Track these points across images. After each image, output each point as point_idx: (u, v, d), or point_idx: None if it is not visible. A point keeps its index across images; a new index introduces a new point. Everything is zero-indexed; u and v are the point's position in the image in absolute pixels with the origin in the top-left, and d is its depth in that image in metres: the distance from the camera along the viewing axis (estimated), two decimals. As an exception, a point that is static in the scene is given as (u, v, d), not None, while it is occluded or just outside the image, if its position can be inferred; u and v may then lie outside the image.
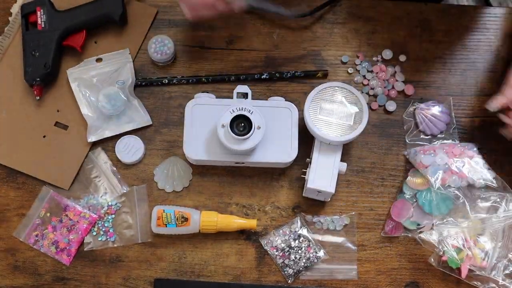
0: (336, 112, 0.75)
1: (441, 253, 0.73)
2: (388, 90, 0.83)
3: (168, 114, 0.82)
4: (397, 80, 0.83)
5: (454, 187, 0.75)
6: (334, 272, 0.77)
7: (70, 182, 0.79)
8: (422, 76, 0.84)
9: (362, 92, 0.82)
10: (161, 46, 0.82)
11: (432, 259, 0.75)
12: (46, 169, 0.80)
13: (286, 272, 0.77)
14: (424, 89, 0.83)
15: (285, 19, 0.86)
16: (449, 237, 0.73)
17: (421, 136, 0.81)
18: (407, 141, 0.81)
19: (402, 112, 0.82)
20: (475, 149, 0.77)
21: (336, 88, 0.76)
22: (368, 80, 0.83)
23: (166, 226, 0.75)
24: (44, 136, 0.81)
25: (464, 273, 0.73)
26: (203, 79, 0.83)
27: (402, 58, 0.84)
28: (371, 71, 0.83)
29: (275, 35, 0.85)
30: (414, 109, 0.81)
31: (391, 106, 0.82)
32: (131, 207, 0.79)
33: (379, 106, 0.82)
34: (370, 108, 0.82)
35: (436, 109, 0.80)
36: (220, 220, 0.76)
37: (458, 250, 0.73)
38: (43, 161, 0.80)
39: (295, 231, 0.78)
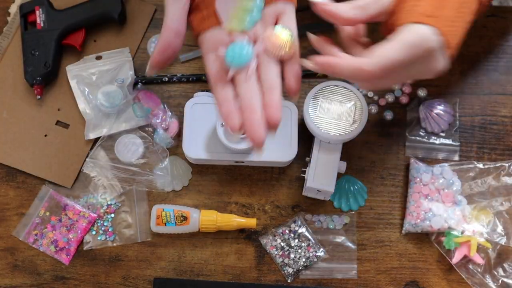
0: (336, 111, 0.75)
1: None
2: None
3: (168, 113, 0.83)
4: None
5: None
6: (334, 271, 0.77)
7: (72, 180, 0.79)
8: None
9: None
10: (161, 46, 0.82)
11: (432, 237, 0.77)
12: (48, 167, 0.80)
13: (285, 271, 0.76)
14: (424, 88, 0.83)
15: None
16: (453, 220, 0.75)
17: (421, 132, 0.81)
18: (407, 135, 0.81)
19: (402, 112, 0.82)
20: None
21: (336, 86, 0.76)
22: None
23: (166, 225, 0.75)
24: (45, 135, 0.81)
25: (456, 258, 0.74)
26: (203, 78, 0.83)
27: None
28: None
29: None
30: (419, 105, 0.81)
31: (388, 114, 0.82)
32: (131, 206, 0.79)
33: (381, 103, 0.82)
34: (378, 104, 0.82)
35: (440, 108, 0.80)
36: (220, 219, 0.76)
37: (458, 235, 0.74)
38: (45, 160, 0.80)
39: (295, 230, 0.78)
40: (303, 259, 0.76)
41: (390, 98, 0.82)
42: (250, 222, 0.76)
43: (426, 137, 0.81)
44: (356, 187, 0.79)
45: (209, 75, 0.57)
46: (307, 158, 0.76)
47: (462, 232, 0.74)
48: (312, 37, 0.59)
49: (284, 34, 0.56)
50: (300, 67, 0.57)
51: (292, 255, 0.76)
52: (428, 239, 0.77)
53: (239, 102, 0.54)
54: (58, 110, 0.82)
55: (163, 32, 0.58)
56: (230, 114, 0.54)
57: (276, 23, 0.58)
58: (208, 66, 0.57)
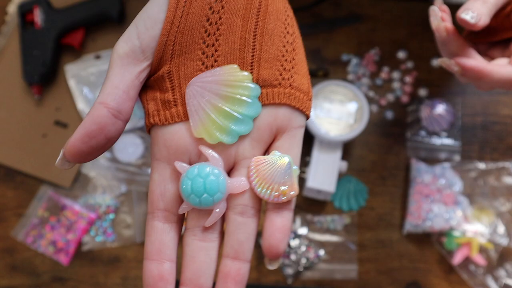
0: (336, 111, 0.74)
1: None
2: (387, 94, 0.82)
3: (167, 113, 0.82)
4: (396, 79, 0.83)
5: None
6: (334, 272, 0.77)
7: (71, 180, 0.79)
8: (422, 75, 0.83)
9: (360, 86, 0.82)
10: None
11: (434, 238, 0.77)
12: (46, 167, 0.79)
13: (286, 272, 0.76)
14: (425, 88, 0.83)
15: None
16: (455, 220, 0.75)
17: (422, 132, 0.80)
18: (408, 135, 0.80)
19: (403, 112, 0.82)
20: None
21: (336, 86, 0.75)
22: (366, 78, 0.83)
23: (165, 226, 0.75)
24: (44, 135, 0.81)
25: (458, 259, 0.73)
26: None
27: (402, 55, 0.84)
28: (366, 68, 0.83)
29: None
30: (420, 105, 0.81)
31: (389, 114, 0.81)
32: (130, 206, 0.79)
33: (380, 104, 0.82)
34: (378, 103, 0.82)
35: (442, 108, 0.80)
36: (219, 220, 0.75)
37: (460, 236, 0.74)
38: (43, 160, 0.80)
39: (295, 231, 0.77)
40: (304, 260, 0.76)
41: (391, 97, 0.82)
42: (250, 223, 0.75)
43: (427, 137, 0.80)
44: (356, 187, 0.79)
45: (150, 196, 0.36)
46: (307, 158, 0.76)
47: (464, 233, 0.74)
48: (441, 25, 0.47)
49: (284, 165, 0.35)
50: (292, 217, 0.37)
51: (292, 256, 0.76)
52: (429, 240, 0.77)
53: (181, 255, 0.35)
54: (57, 110, 0.82)
55: (94, 108, 0.36)
56: (158, 283, 0.35)
57: (271, 145, 0.37)
58: (153, 182, 0.36)
